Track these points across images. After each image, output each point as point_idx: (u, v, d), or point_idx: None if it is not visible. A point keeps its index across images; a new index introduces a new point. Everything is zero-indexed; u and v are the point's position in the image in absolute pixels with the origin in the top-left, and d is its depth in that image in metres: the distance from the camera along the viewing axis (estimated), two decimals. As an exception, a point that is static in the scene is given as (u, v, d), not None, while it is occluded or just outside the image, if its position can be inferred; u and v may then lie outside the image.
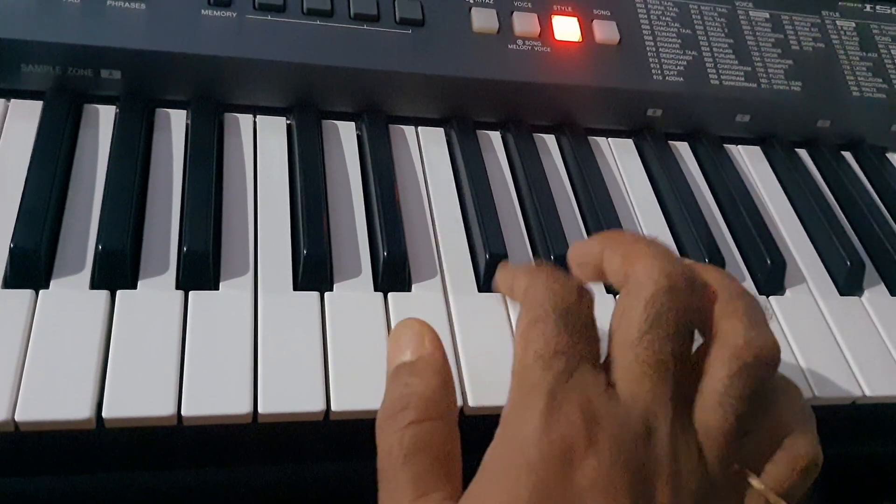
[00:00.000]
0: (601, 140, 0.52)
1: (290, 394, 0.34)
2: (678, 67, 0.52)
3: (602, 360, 0.29)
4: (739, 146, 0.55)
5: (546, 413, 0.26)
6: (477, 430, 0.29)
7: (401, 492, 0.27)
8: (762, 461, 0.29)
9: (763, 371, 0.28)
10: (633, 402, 0.27)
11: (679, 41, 0.53)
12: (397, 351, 0.31)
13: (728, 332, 0.29)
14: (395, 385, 0.30)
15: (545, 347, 0.27)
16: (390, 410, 0.29)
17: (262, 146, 0.45)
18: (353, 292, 0.39)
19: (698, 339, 0.30)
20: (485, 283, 0.41)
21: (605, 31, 0.51)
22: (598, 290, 0.43)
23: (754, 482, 0.28)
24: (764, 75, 0.54)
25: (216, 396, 0.33)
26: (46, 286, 0.35)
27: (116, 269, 0.36)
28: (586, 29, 0.51)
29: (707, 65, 0.53)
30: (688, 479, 0.27)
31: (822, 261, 0.49)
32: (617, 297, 0.30)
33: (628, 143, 0.53)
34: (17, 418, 0.31)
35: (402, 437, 0.28)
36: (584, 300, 0.29)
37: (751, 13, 0.56)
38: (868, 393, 0.42)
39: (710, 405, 0.28)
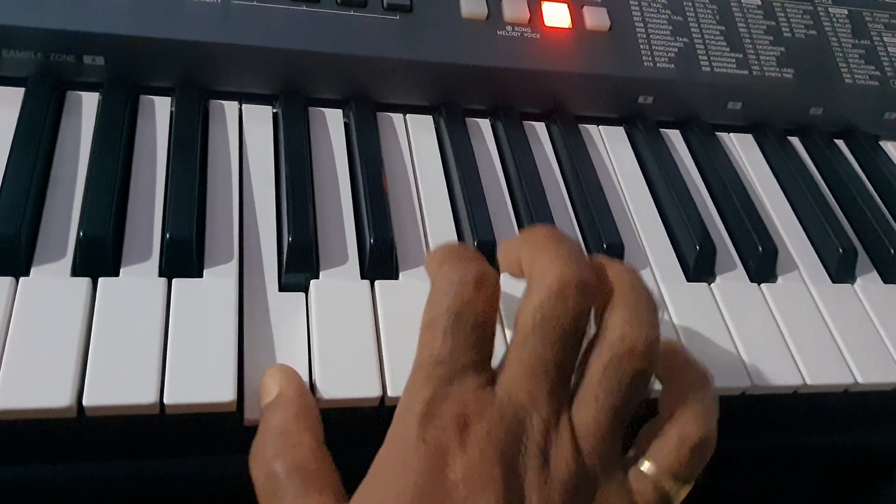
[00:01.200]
0: (592, 128, 0.52)
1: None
2: (669, 54, 0.51)
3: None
4: (731, 134, 0.55)
5: (422, 419, 0.28)
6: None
7: None
8: (652, 445, 0.31)
9: (636, 363, 0.30)
10: (508, 401, 0.29)
11: (670, 28, 0.52)
12: (262, 397, 0.33)
13: (607, 327, 0.30)
14: (259, 425, 0.32)
15: (429, 355, 0.30)
16: (254, 449, 0.31)
17: (247, 133, 0.44)
18: (339, 280, 0.38)
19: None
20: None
21: (596, 18, 0.51)
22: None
23: (644, 468, 0.30)
24: (756, 62, 0.53)
25: (200, 384, 0.33)
26: (27, 273, 0.35)
27: (98, 256, 0.36)
28: (576, 15, 0.51)
29: (699, 52, 0.52)
30: (559, 470, 0.28)
31: (815, 248, 0.48)
32: None
33: (619, 131, 0.52)
34: (-5, 406, 0.30)
35: (269, 471, 0.30)
36: (482, 294, 0.30)
37: (742, 0, 0.55)
38: (860, 380, 0.41)
39: (584, 401, 0.30)
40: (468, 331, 0.30)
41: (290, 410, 0.32)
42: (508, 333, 0.37)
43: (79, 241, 0.36)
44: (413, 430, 0.28)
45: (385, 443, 0.29)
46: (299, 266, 0.38)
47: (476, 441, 0.28)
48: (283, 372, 0.33)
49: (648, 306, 0.31)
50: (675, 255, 0.45)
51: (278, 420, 0.32)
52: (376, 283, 0.39)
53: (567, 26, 0.50)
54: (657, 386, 0.33)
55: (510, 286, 0.35)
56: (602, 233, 0.44)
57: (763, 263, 0.46)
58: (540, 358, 0.29)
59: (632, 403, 0.30)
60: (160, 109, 0.44)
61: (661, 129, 0.53)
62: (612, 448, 0.30)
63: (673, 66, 0.51)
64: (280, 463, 0.30)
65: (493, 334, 0.31)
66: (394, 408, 0.30)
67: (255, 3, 0.45)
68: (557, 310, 0.29)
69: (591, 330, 0.31)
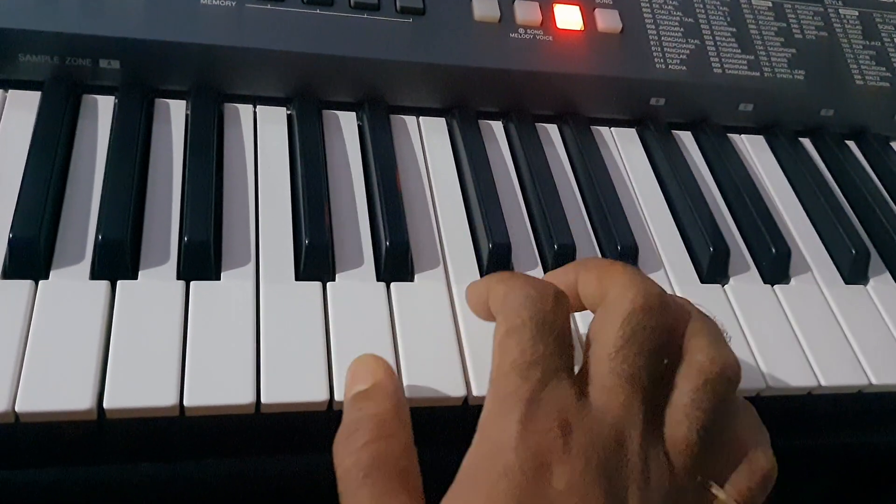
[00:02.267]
0: (604, 129, 0.52)
1: (294, 384, 0.34)
2: (681, 56, 0.52)
3: (577, 370, 0.31)
4: (743, 135, 0.55)
5: (523, 421, 0.27)
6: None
7: None
8: (724, 473, 0.31)
9: (725, 386, 0.30)
10: (605, 413, 0.28)
11: (682, 30, 0.53)
12: (352, 383, 0.33)
13: (695, 349, 0.30)
14: (350, 411, 0.31)
15: (521, 357, 0.29)
16: (345, 433, 0.30)
17: (262, 136, 0.44)
18: (356, 282, 0.39)
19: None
20: (488, 273, 0.41)
21: (608, 20, 0.51)
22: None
23: (718, 492, 0.30)
24: (767, 64, 0.53)
25: (219, 386, 0.33)
26: (46, 276, 0.35)
27: (117, 260, 0.36)
28: (588, 17, 0.51)
29: (710, 53, 0.52)
30: (657, 486, 0.28)
31: (827, 250, 0.49)
32: None
33: (631, 133, 0.53)
34: (17, 409, 0.31)
35: (359, 458, 0.29)
36: (561, 307, 0.30)
37: (753, 1, 0.56)
38: (874, 381, 0.41)
39: (677, 418, 0.29)
40: (555, 336, 0.29)
41: (389, 402, 0.31)
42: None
43: (97, 244, 0.36)
44: (513, 434, 0.27)
45: (472, 451, 0.29)
46: (316, 268, 0.38)
47: (580, 449, 0.27)
48: (379, 363, 0.33)
49: (720, 332, 0.32)
50: (688, 256, 0.45)
51: (375, 409, 0.31)
52: (392, 285, 0.39)
53: (579, 28, 0.50)
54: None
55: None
56: (616, 235, 0.44)
57: (776, 265, 0.46)
58: (635, 367, 0.29)
59: (718, 425, 0.30)
60: (175, 113, 0.44)
61: (673, 131, 0.53)
62: (699, 468, 0.30)
63: (684, 67, 0.51)
64: (371, 452, 0.29)
65: (572, 347, 0.30)
66: (422, 409, 0.30)
67: (269, 6, 0.45)
68: (645, 323, 0.29)
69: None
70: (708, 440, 0.30)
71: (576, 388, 0.29)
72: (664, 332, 0.30)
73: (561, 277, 0.34)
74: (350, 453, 0.29)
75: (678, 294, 0.43)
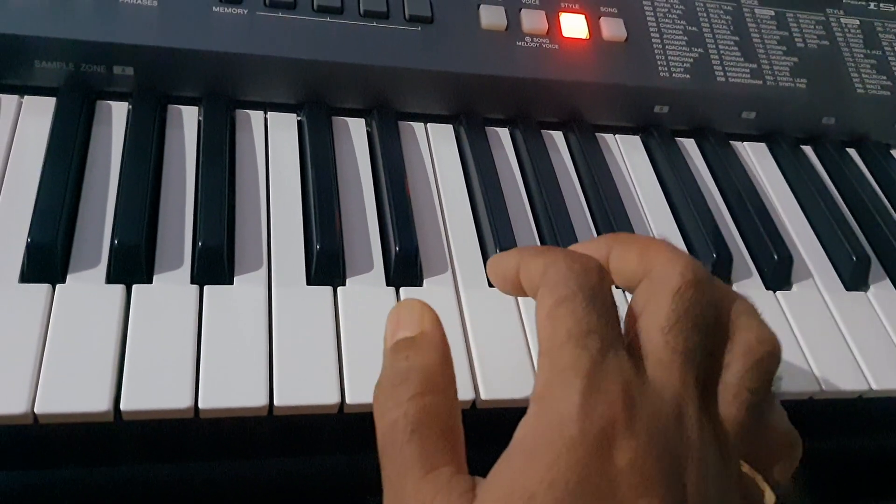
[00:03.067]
0: (609, 137, 0.53)
1: (306, 387, 0.35)
2: (685, 64, 0.52)
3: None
4: (745, 143, 0.56)
5: (586, 392, 0.25)
6: (488, 423, 0.30)
7: (409, 467, 0.26)
8: (764, 455, 0.30)
9: (772, 366, 0.29)
10: (663, 387, 0.27)
11: (685, 38, 0.53)
12: (396, 328, 0.30)
13: (743, 328, 0.29)
14: (395, 359, 0.29)
15: (577, 326, 0.27)
16: (391, 384, 0.28)
17: (273, 142, 0.45)
18: (366, 287, 0.39)
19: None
20: (495, 278, 0.42)
21: (613, 29, 0.52)
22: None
23: (747, 469, 0.29)
24: (769, 72, 0.54)
25: (232, 389, 0.34)
26: (63, 280, 0.36)
27: (132, 264, 0.36)
28: (594, 26, 0.52)
29: (713, 62, 0.53)
30: (712, 465, 0.27)
31: (828, 256, 0.49)
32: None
33: (635, 140, 0.53)
34: (36, 410, 0.31)
35: (408, 410, 0.27)
36: (605, 280, 0.29)
37: (756, 11, 0.56)
38: (875, 387, 0.42)
39: (728, 396, 0.28)
40: (606, 307, 0.28)
41: (438, 354, 0.29)
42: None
43: (113, 249, 0.36)
44: (574, 404, 0.25)
45: (527, 422, 0.27)
46: (327, 273, 0.39)
47: (644, 423, 0.26)
48: (426, 310, 0.31)
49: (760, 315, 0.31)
50: (691, 262, 0.46)
51: (423, 360, 0.29)
52: (401, 289, 0.40)
53: (584, 37, 0.51)
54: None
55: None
56: (621, 241, 0.44)
57: (778, 271, 0.46)
58: (691, 343, 0.28)
59: (766, 403, 0.29)
60: (188, 119, 0.45)
61: (677, 138, 0.54)
62: (748, 447, 0.29)
63: (688, 76, 0.52)
64: (420, 406, 0.27)
65: (619, 320, 0.29)
66: None
67: (280, 14, 0.46)
68: (697, 297, 0.28)
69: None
70: (756, 421, 0.29)
71: (632, 361, 0.27)
72: (713, 308, 0.29)
73: (592, 250, 0.32)
74: (396, 405, 0.27)
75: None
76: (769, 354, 0.29)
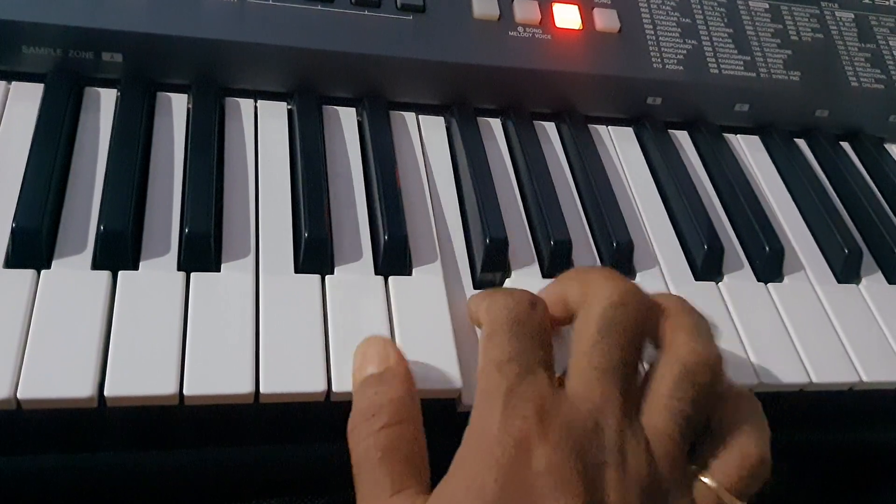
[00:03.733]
0: (601, 128, 0.53)
1: (292, 375, 0.34)
2: (678, 56, 0.52)
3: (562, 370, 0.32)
4: (738, 135, 0.56)
5: (504, 411, 0.29)
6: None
7: (379, 488, 0.30)
8: (712, 461, 0.32)
9: (705, 377, 0.32)
10: (583, 402, 0.30)
11: (679, 30, 0.53)
12: (363, 363, 0.34)
13: (674, 343, 0.32)
14: (365, 394, 0.32)
15: (499, 355, 0.31)
16: (363, 416, 0.32)
17: (262, 130, 0.45)
18: (354, 275, 0.39)
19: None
20: (484, 268, 0.41)
21: (606, 19, 0.51)
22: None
23: (707, 480, 0.31)
24: (763, 65, 0.54)
25: (218, 376, 0.33)
26: (48, 266, 0.35)
27: (118, 250, 0.36)
28: (587, 17, 0.51)
29: (707, 54, 0.53)
30: (635, 470, 0.29)
31: (820, 249, 0.49)
32: None
33: (628, 132, 0.53)
34: (19, 396, 0.31)
35: (378, 439, 0.30)
36: (536, 310, 0.33)
37: (750, 3, 0.56)
38: (865, 379, 0.42)
39: (656, 408, 0.31)
40: (531, 335, 0.32)
41: (405, 386, 0.33)
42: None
43: (99, 235, 0.36)
44: (495, 422, 0.29)
45: (464, 441, 0.30)
46: (315, 261, 0.39)
47: (558, 433, 0.29)
48: (389, 346, 0.34)
49: (707, 327, 0.33)
50: (683, 254, 0.46)
51: (392, 393, 0.32)
52: (390, 278, 0.39)
53: (577, 28, 0.51)
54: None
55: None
56: (612, 231, 0.44)
57: (770, 263, 0.46)
58: (610, 359, 0.31)
59: (700, 415, 0.31)
60: (177, 106, 0.44)
61: (670, 130, 0.54)
62: (681, 457, 0.31)
63: (681, 67, 0.52)
64: (389, 435, 0.31)
65: (551, 344, 0.32)
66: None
67: (271, 2, 0.45)
68: (621, 315, 0.31)
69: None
70: (689, 429, 0.31)
71: (553, 380, 0.31)
72: (641, 327, 0.32)
73: (552, 290, 0.35)
74: (368, 435, 0.31)
75: (672, 291, 0.43)
76: (697, 365, 0.31)
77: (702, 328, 0.33)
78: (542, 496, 0.28)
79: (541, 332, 0.32)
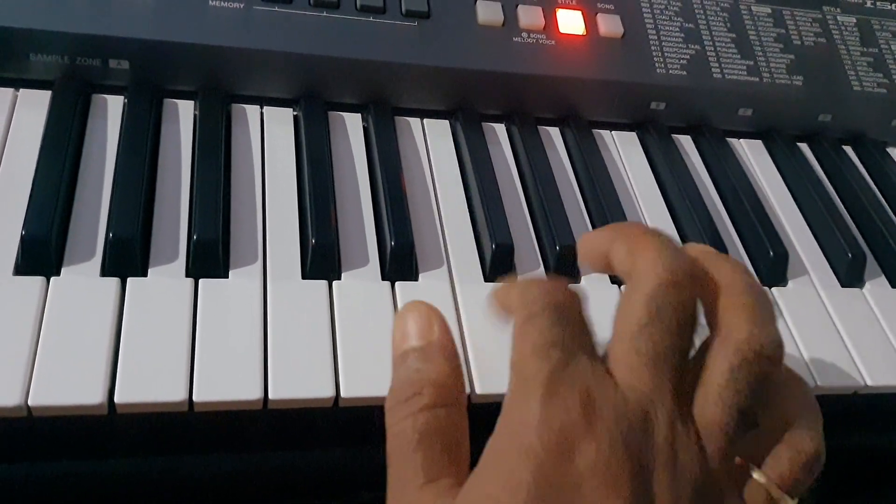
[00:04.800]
0: (605, 133, 0.53)
1: (300, 380, 0.35)
2: (681, 61, 0.52)
3: (601, 354, 0.29)
4: (742, 140, 0.56)
5: (545, 400, 0.26)
6: (483, 417, 0.30)
7: (411, 475, 0.28)
8: (766, 455, 0.29)
9: (764, 367, 0.28)
10: (631, 392, 0.27)
11: (682, 35, 0.53)
12: (405, 334, 0.31)
13: (731, 326, 0.29)
14: (405, 369, 0.30)
15: (540, 339, 0.28)
16: (402, 394, 0.29)
17: (269, 137, 0.45)
18: (361, 281, 0.39)
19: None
20: (491, 273, 0.42)
21: (609, 25, 0.52)
22: (604, 281, 0.43)
23: (757, 475, 0.28)
24: (766, 70, 0.54)
25: (227, 382, 0.34)
26: (58, 273, 0.36)
27: (127, 257, 0.36)
28: (590, 22, 0.52)
29: (710, 59, 0.53)
30: (687, 468, 0.27)
31: (824, 253, 0.49)
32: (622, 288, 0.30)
33: (632, 136, 0.53)
34: (29, 403, 0.31)
35: (416, 422, 0.28)
36: (575, 298, 0.30)
37: (753, 8, 0.56)
38: (870, 383, 0.42)
39: (710, 399, 0.28)
40: (573, 320, 0.29)
41: (450, 364, 0.30)
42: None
43: (108, 242, 0.36)
44: (534, 413, 0.26)
45: (495, 433, 0.28)
46: (322, 267, 0.39)
47: (605, 426, 0.26)
48: (436, 317, 0.32)
49: (769, 306, 0.29)
50: (687, 258, 0.46)
51: (434, 372, 0.30)
52: (397, 284, 0.40)
53: (581, 33, 0.51)
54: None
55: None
56: (616, 236, 0.45)
57: (774, 268, 0.46)
58: (661, 346, 0.27)
59: (756, 406, 0.28)
60: (184, 113, 0.45)
61: (673, 135, 0.54)
62: (732, 451, 0.28)
63: (685, 72, 0.52)
64: (429, 417, 0.28)
65: (592, 332, 0.29)
66: None
67: (276, 8, 0.46)
68: (672, 298, 0.28)
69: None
70: (743, 422, 0.28)
71: (599, 367, 0.28)
72: (693, 309, 0.29)
73: (595, 240, 0.33)
74: (406, 416, 0.29)
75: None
76: (758, 354, 0.28)
77: (763, 308, 0.29)
78: (586, 497, 0.25)
79: (582, 319, 0.29)
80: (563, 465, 0.25)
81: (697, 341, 0.30)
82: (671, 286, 0.28)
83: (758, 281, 0.31)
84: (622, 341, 0.28)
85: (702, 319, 0.30)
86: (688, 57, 0.53)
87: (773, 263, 0.46)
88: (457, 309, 0.39)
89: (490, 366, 0.37)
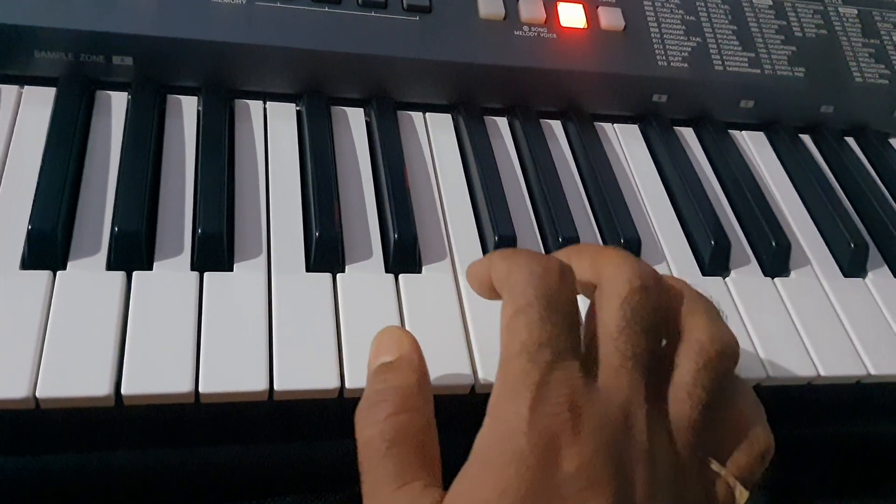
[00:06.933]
0: (607, 126, 0.53)
1: (305, 372, 0.35)
2: (683, 53, 0.52)
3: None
4: (744, 132, 0.56)
5: (533, 405, 0.27)
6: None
7: (384, 480, 0.29)
8: (725, 449, 0.31)
9: (726, 364, 0.31)
10: (612, 393, 0.28)
11: (683, 27, 0.53)
12: (378, 354, 0.33)
13: (694, 328, 0.31)
14: (374, 381, 0.32)
15: (529, 339, 0.28)
16: (369, 403, 0.31)
17: (272, 131, 0.45)
18: (365, 273, 0.39)
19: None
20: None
21: (611, 18, 0.52)
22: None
23: (715, 467, 0.30)
24: (767, 61, 0.54)
25: (233, 374, 0.34)
26: (64, 267, 0.36)
27: (132, 251, 0.37)
28: (591, 15, 0.52)
29: (711, 51, 0.53)
30: (662, 465, 0.28)
31: (826, 243, 0.49)
32: None
33: (634, 129, 0.53)
34: (38, 395, 0.31)
35: (384, 428, 0.29)
36: (566, 282, 0.30)
37: (754, 0, 0.56)
38: (873, 372, 0.42)
39: (679, 396, 0.30)
40: (563, 313, 0.29)
41: (413, 375, 0.31)
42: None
43: (113, 236, 0.37)
44: (522, 416, 0.27)
45: (483, 434, 0.28)
46: (326, 260, 0.39)
47: (590, 431, 0.27)
48: (405, 335, 0.33)
49: (717, 311, 0.32)
50: (690, 249, 0.46)
51: (399, 381, 0.31)
52: (400, 276, 0.40)
53: (582, 26, 0.51)
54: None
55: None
56: (619, 228, 0.45)
57: (776, 258, 0.47)
58: (638, 348, 0.29)
59: (720, 402, 0.30)
60: (187, 108, 0.45)
61: (675, 127, 0.54)
62: (698, 445, 0.30)
63: (686, 65, 0.52)
64: (395, 424, 0.29)
65: (579, 324, 0.30)
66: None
67: (278, 4, 0.46)
68: (643, 303, 0.30)
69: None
70: (710, 417, 0.30)
71: (583, 369, 0.29)
72: (661, 312, 0.30)
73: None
74: (373, 423, 0.30)
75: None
76: (720, 353, 0.30)
77: (714, 311, 0.32)
78: (571, 499, 0.26)
79: (572, 308, 0.30)
80: (551, 469, 0.26)
81: None
82: (642, 291, 0.30)
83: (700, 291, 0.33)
84: (601, 344, 0.30)
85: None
86: (689, 49, 0.53)
87: (775, 254, 0.46)
88: (460, 300, 0.40)
89: (493, 356, 0.37)
